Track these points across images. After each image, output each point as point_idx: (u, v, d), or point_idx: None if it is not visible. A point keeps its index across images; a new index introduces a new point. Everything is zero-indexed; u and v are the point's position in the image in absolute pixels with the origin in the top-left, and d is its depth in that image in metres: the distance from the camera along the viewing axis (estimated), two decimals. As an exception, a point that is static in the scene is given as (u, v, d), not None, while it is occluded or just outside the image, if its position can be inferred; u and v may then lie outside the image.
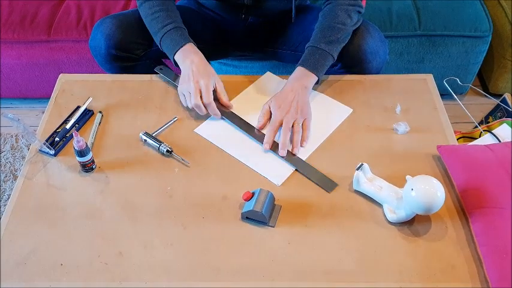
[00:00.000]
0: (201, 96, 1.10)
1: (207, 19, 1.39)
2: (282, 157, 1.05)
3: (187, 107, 1.14)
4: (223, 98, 1.15)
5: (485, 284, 0.84)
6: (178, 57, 1.16)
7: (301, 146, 1.07)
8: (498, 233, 0.87)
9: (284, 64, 1.70)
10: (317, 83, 1.17)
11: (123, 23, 1.24)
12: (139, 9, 1.24)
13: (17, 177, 1.03)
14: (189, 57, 1.15)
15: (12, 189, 1.37)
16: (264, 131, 1.10)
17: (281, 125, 1.08)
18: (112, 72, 1.31)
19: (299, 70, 1.16)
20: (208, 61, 1.17)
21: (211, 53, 1.49)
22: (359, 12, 1.19)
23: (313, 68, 1.15)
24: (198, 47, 1.18)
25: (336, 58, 1.17)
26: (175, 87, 1.19)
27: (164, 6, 1.20)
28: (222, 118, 1.13)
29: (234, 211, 0.95)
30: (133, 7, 1.76)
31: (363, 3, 1.22)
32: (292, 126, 1.08)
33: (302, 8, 1.37)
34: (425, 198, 0.85)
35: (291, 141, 1.07)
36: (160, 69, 1.24)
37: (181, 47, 1.16)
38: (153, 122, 1.13)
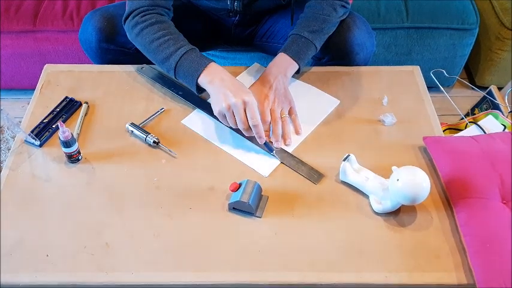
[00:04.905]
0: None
1: (193, 11, 1.38)
2: (270, 152, 1.04)
3: (174, 99, 1.13)
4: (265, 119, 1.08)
5: (469, 273, 0.85)
6: (203, 79, 1.05)
7: (297, 134, 1.07)
8: (482, 223, 0.88)
9: (272, 56, 1.70)
10: (297, 72, 1.17)
11: (114, 16, 1.22)
12: (136, 39, 1.13)
13: (2, 168, 1.02)
14: (216, 76, 1.04)
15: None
16: None
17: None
18: None
19: (280, 56, 1.15)
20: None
21: (197, 44, 1.48)
22: (344, 6, 1.19)
23: (295, 55, 1.14)
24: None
25: (318, 48, 1.17)
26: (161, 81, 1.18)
27: (168, 30, 1.10)
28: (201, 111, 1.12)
29: (221, 202, 0.95)
30: (120, -2, 1.74)
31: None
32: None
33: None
34: (411, 189, 0.86)
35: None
36: (142, 68, 1.22)
37: (206, 67, 1.06)
38: (139, 113, 1.12)
